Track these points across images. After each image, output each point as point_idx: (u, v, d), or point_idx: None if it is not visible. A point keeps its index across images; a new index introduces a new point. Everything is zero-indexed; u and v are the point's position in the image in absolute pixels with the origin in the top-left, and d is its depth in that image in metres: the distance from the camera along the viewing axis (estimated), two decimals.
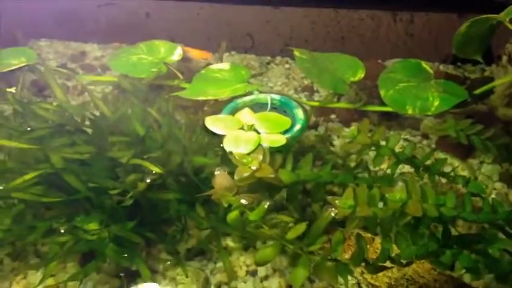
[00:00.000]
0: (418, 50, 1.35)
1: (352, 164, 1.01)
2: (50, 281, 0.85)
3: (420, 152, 1.06)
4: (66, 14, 1.37)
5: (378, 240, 0.88)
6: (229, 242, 0.92)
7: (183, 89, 1.08)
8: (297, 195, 0.89)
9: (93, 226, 0.83)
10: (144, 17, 1.37)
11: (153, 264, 0.88)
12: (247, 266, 0.90)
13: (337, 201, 0.77)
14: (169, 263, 0.88)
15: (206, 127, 0.94)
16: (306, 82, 1.30)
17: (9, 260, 0.89)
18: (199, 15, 1.36)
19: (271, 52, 1.39)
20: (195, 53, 1.18)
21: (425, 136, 1.13)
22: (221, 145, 0.89)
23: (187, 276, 0.86)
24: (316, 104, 1.10)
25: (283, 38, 1.37)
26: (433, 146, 1.10)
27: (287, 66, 1.36)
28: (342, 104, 1.11)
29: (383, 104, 1.08)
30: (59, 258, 0.82)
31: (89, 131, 0.95)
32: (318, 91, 1.27)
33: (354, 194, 0.77)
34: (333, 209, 0.76)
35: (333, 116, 1.18)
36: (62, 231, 0.80)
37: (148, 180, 0.84)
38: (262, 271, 0.89)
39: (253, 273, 0.89)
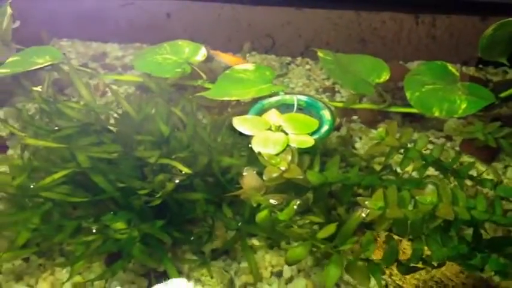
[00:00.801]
0: (439, 52, 1.34)
1: (376, 166, 1.01)
2: (77, 279, 0.85)
3: (445, 154, 1.05)
4: (87, 14, 1.38)
5: (404, 242, 0.88)
6: (255, 242, 0.92)
7: (207, 89, 1.08)
8: (324, 197, 0.88)
9: (120, 225, 0.83)
10: (164, 17, 1.37)
11: (178, 264, 0.88)
12: (272, 266, 0.89)
13: (367, 203, 0.77)
14: (196, 263, 0.88)
15: (230, 127, 0.94)
16: (327, 83, 1.30)
17: (35, 257, 0.89)
18: (220, 16, 1.36)
19: (291, 53, 1.39)
20: (228, 59, 1.18)
21: (449, 138, 1.13)
22: (249, 145, 0.89)
23: (212, 277, 0.86)
24: (340, 105, 1.09)
25: (304, 39, 1.37)
26: (457, 148, 1.10)
27: (308, 67, 1.36)
28: (366, 105, 1.11)
29: (406, 105, 1.08)
30: (87, 257, 0.82)
31: (114, 130, 0.95)
32: (339, 92, 1.27)
33: (384, 196, 0.77)
34: (364, 209, 0.76)
35: (355, 117, 1.17)
36: (94, 230, 0.79)
37: (177, 181, 0.84)
38: (287, 272, 0.88)
39: (278, 274, 0.88)
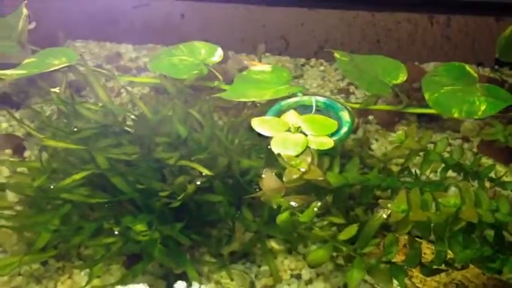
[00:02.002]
0: (454, 52, 1.34)
1: (393, 167, 1.01)
2: (96, 282, 0.85)
3: (462, 156, 1.05)
4: (101, 15, 1.38)
5: (424, 244, 0.87)
6: (274, 245, 0.91)
7: (223, 90, 1.08)
8: (344, 199, 0.88)
9: (140, 227, 0.83)
10: (178, 18, 1.37)
11: (197, 267, 0.87)
12: (292, 269, 0.89)
13: (389, 205, 0.76)
14: (215, 266, 0.87)
15: (248, 128, 0.94)
16: (341, 84, 1.30)
17: (53, 261, 0.88)
18: (233, 17, 1.36)
19: (305, 54, 1.39)
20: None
21: (465, 139, 1.12)
22: (268, 147, 0.89)
23: (232, 280, 0.86)
24: (357, 106, 1.09)
25: (318, 40, 1.37)
26: (474, 149, 1.09)
27: (322, 68, 1.36)
28: (383, 106, 1.10)
29: (421, 106, 1.07)
30: (107, 259, 0.82)
31: (131, 132, 0.95)
32: (354, 93, 1.27)
33: (407, 198, 0.76)
34: (385, 210, 0.75)
35: (370, 118, 1.17)
36: (116, 232, 0.79)
37: (198, 183, 0.83)
38: (306, 275, 0.88)
39: (298, 277, 0.88)
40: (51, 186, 0.81)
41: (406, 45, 1.35)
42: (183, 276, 0.84)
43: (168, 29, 1.38)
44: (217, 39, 1.26)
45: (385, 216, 0.74)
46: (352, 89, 1.28)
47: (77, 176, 0.81)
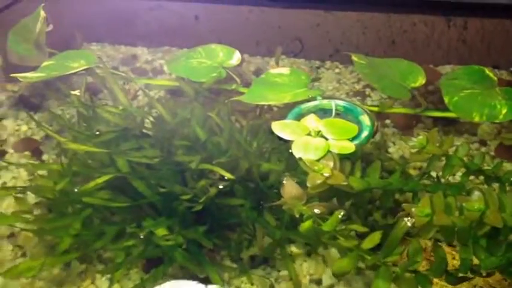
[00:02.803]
0: (470, 55, 1.33)
1: (411, 171, 1.00)
2: (116, 287, 0.85)
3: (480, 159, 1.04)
4: (116, 18, 1.38)
5: (446, 249, 0.87)
6: (293, 249, 0.91)
7: (240, 93, 1.08)
8: (365, 203, 0.88)
9: (161, 231, 0.83)
10: (193, 20, 1.37)
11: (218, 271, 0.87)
12: (311, 274, 0.89)
13: (413, 209, 0.76)
14: (236, 270, 0.87)
15: (266, 132, 0.94)
16: (357, 87, 1.29)
17: (75, 264, 0.88)
18: (248, 19, 1.36)
19: (320, 56, 1.38)
20: None
21: (482, 142, 1.12)
22: (289, 151, 0.89)
23: (252, 284, 0.85)
24: (375, 109, 1.09)
25: (333, 43, 1.36)
26: (492, 153, 1.09)
27: (337, 70, 1.35)
28: (402, 110, 1.10)
29: (437, 109, 1.07)
30: (129, 263, 0.82)
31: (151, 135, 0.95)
32: (370, 96, 1.26)
33: (430, 202, 0.76)
34: (409, 218, 0.75)
35: (387, 121, 1.17)
36: (141, 236, 0.79)
37: (221, 186, 0.83)
38: (326, 280, 0.88)
39: (318, 282, 0.88)
40: (76, 190, 0.81)
41: (421, 47, 1.34)
42: (205, 281, 0.84)
43: (182, 31, 1.38)
44: (232, 42, 1.27)
45: (409, 224, 0.74)
46: (368, 91, 1.27)
47: (100, 180, 0.81)
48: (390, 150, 1.10)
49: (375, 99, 1.24)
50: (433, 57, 1.34)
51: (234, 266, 0.88)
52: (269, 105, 1.12)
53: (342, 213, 0.75)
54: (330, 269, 0.87)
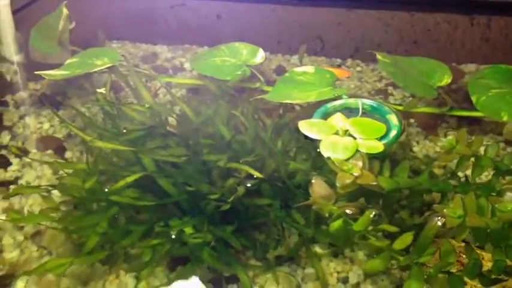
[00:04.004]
0: (492, 54, 1.32)
1: (436, 170, 1.00)
2: (142, 285, 0.85)
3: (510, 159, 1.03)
4: (136, 16, 1.37)
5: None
6: (318, 249, 0.90)
7: (264, 91, 1.07)
8: (394, 203, 0.87)
9: (188, 230, 0.82)
10: (215, 18, 1.36)
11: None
12: (338, 272, 0.88)
13: (445, 211, 0.75)
14: (262, 269, 0.86)
15: (292, 131, 0.93)
16: (379, 85, 1.28)
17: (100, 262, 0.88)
18: (270, 18, 1.35)
19: (341, 55, 1.37)
20: (335, 72, 1.16)
21: (508, 142, 1.10)
22: (314, 150, 0.88)
23: (278, 283, 0.85)
24: (400, 108, 1.08)
25: (355, 41, 1.35)
26: None
27: (359, 69, 1.34)
28: (428, 109, 1.09)
29: (461, 108, 1.06)
30: (156, 261, 0.82)
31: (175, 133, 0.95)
32: (392, 94, 1.25)
33: (462, 203, 0.75)
34: (439, 218, 0.74)
35: (411, 121, 1.16)
36: (173, 236, 0.78)
37: (249, 185, 0.82)
38: (353, 278, 0.87)
39: (344, 281, 0.87)
40: (106, 190, 0.81)
41: (444, 46, 1.33)
42: (232, 279, 0.84)
43: (203, 29, 1.37)
44: (253, 40, 1.26)
45: (440, 223, 0.73)
46: (390, 90, 1.26)
47: (130, 179, 0.80)
48: (414, 149, 1.09)
49: (397, 98, 1.23)
50: (456, 55, 1.33)
51: (260, 265, 0.87)
52: (290, 104, 1.11)
53: (373, 213, 0.74)
54: (358, 268, 0.86)
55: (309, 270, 0.87)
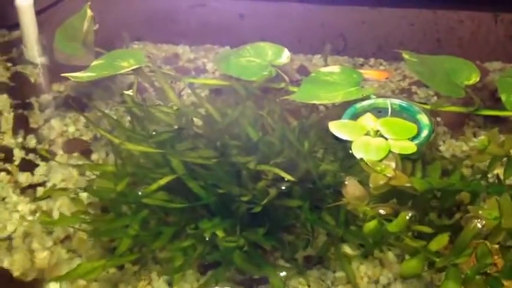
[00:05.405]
0: None
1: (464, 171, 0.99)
2: None
3: None
4: (157, 16, 1.37)
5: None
6: (347, 250, 0.90)
7: (288, 91, 1.07)
8: (426, 204, 0.86)
9: (220, 233, 0.82)
10: (237, 18, 1.36)
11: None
12: (369, 276, 0.87)
13: (480, 212, 0.74)
14: (292, 271, 0.86)
15: (318, 131, 0.93)
16: (403, 84, 1.27)
17: (130, 265, 0.88)
18: (292, 16, 1.34)
19: (364, 54, 1.36)
20: (374, 74, 1.16)
21: None
22: (342, 151, 0.88)
23: (309, 286, 0.84)
24: (428, 107, 1.07)
25: (378, 40, 1.34)
26: None
27: (381, 68, 1.33)
28: (456, 108, 1.08)
29: (486, 106, 1.06)
30: (187, 265, 0.81)
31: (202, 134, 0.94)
32: (416, 93, 1.24)
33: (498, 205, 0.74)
34: (479, 220, 0.73)
35: (438, 119, 1.15)
36: (207, 238, 0.78)
37: (283, 187, 0.82)
38: (383, 279, 0.86)
39: (375, 282, 0.86)
40: (139, 192, 0.81)
41: (467, 44, 1.32)
42: (261, 282, 0.83)
43: (225, 29, 1.37)
44: (275, 39, 1.25)
45: (479, 225, 0.72)
46: (414, 89, 1.25)
47: (162, 181, 0.80)
48: (441, 148, 1.08)
49: (422, 97, 1.22)
50: (480, 53, 1.32)
51: (289, 266, 0.86)
52: (313, 104, 1.11)
53: (410, 214, 0.74)
54: (388, 271, 0.86)
55: (339, 274, 0.87)
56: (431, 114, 1.13)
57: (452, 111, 1.10)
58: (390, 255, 0.88)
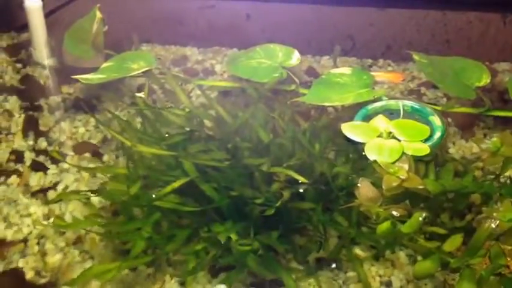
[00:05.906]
0: None
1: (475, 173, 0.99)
2: None
3: None
4: (165, 18, 1.37)
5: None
6: (359, 252, 0.90)
7: (299, 93, 1.07)
8: (439, 206, 0.86)
9: (234, 237, 0.82)
10: (244, 19, 1.36)
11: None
12: (380, 276, 0.87)
13: (494, 214, 0.74)
14: (303, 273, 0.86)
15: (330, 133, 0.93)
16: (411, 85, 1.27)
17: (143, 267, 0.87)
18: (300, 18, 1.34)
19: (372, 55, 1.36)
20: (387, 77, 1.16)
21: None
22: (353, 152, 0.88)
23: (320, 287, 0.84)
24: (439, 108, 1.07)
25: (386, 41, 1.34)
26: None
27: (390, 69, 1.33)
28: (467, 109, 1.07)
29: (495, 107, 1.05)
30: (200, 267, 0.81)
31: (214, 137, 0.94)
32: (425, 94, 1.24)
33: None
34: (493, 220, 0.73)
35: (449, 120, 1.14)
36: (222, 242, 0.78)
37: (301, 190, 0.82)
38: (396, 282, 0.86)
39: (387, 284, 0.86)
40: (153, 195, 0.80)
41: (476, 45, 1.32)
42: (275, 284, 0.83)
43: (233, 30, 1.36)
44: (283, 41, 1.25)
45: (493, 226, 0.72)
46: (423, 90, 1.25)
47: (176, 184, 0.80)
48: (450, 150, 1.08)
49: (431, 98, 1.22)
50: (488, 54, 1.32)
51: (301, 268, 0.86)
52: (323, 106, 1.11)
53: (423, 216, 0.74)
54: (400, 271, 0.86)
55: (351, 274, 0.87)
56: (442, 115, 1.13)
57: (462, 112, 1.10)
58: (401, 257, 0.88)
